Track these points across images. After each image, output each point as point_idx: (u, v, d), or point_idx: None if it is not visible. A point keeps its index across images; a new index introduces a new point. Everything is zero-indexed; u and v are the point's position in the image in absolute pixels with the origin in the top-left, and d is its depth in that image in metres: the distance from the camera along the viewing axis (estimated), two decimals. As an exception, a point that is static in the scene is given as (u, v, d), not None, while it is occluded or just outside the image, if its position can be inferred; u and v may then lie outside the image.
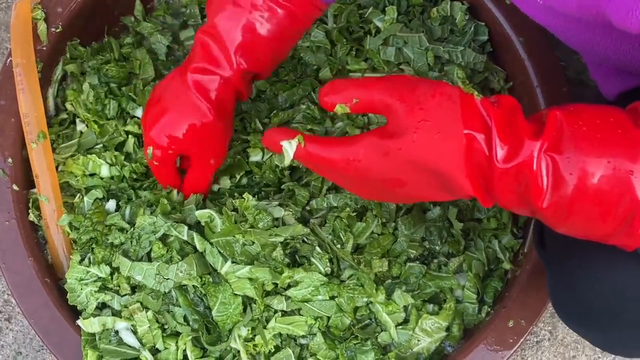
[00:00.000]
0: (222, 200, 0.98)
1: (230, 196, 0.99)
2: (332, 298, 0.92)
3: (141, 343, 0.91)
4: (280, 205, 0.97)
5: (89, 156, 1.02)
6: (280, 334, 0.92)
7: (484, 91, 1.10)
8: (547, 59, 1.05)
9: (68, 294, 0.92)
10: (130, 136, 1.04)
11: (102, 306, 0.94)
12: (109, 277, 0.92)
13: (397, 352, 0.93)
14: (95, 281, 0.93)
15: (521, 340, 0.93)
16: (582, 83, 1.25)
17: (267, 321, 0.92)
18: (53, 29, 1.05)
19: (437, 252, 1.00)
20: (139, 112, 1.05)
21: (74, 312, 0.94)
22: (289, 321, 0.91)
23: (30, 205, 1.00)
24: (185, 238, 0.91)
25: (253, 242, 0.91)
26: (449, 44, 1.10)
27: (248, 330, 0.91)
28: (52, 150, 1.00)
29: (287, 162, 0.72)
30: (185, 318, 0.91)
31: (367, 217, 0.98)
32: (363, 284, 0.93)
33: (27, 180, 1.01)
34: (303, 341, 0.93)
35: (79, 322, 0.92)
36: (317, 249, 0.93)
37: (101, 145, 1.04)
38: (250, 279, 0.89)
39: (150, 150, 0.90)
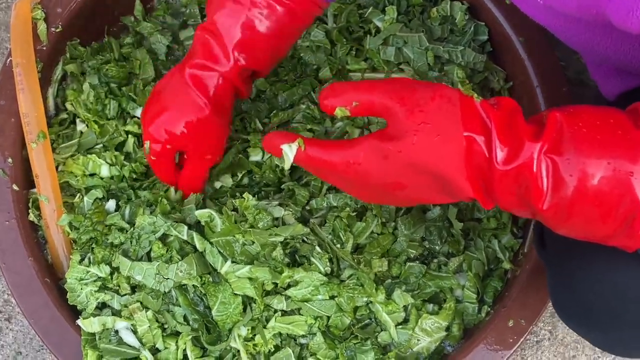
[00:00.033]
0: (222, 200, 0.99)
1: (230, 196, 0.99)
2: (332, 298, 0.92)
3: (141, 343, 0.91)
4: (280, 205, 0.97)
5: (89, 156, 1.02)
6: (280, 334, 0.92)
7: (484, 91, 1.10)
8: (547, 59, 1.05)
9: (68, 294, 0.92)
10: (130, 136, 1.04)
11: (102, 306, 0.94)
12: (109, 277, 0.92)
13: (397, 351, 0.93)
14: (95, 281, 0.93)
15: (521, 340, 0.93)
16: (582, 83, 1.25)
17: (267, 321, 0.92)
18: (53, 29, 1.05)
19: (437, 251, 1.00)
20: (139, 112, 1.05)
21: (74, 312, 0.94)
22: (288, 321, 0.91)
23: (30, 205, 1.00)
24: (185, 238, 0.91)
25: (253, 242, 0.91)
26: (448, 43, 1.10)
27: (248, 329, 0.91)
28: (52, 150, 1.00)
29: (287, 165, 0.72)
30: (185, 318, 0.92)
31: (367, 216, 0.98)
32: (363, 284, 0.93)
33: (27, 180, 1.01)
34: (303, 341, 0.93)
35: (79, 321, 0.92)
36: (317, 248, 0.93)
37: (101, 145, 1.04)
38: (250, 279, 0.89)
39: (147, 144, 0.91)
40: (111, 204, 0.99)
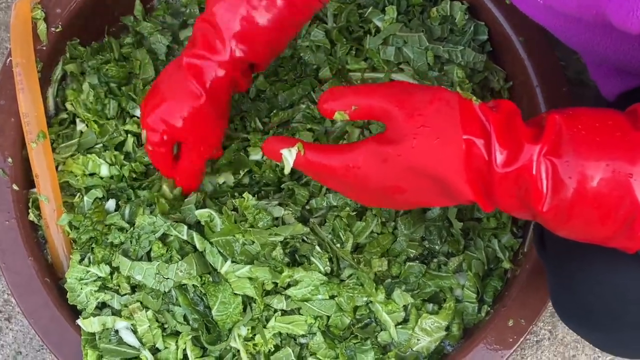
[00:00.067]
0: (222, 200, 0.99)
1: (230, 196, 0.99)
2: (332, 297, 0.92)
3: (141, 342, 0.91)
4: (280, 204, 0.97)
5: (88, 156, 1.02)
6: (280, 333, 0.93)
7: (484, 91, 1.10)
8: (547, 59, 1.05)
9: (68, 294, 0.93)
10: (129, 136, 1.04)
11: (102, 306, 0.94)
12: (109, 277, 0.92)
13: (397, 351, 0.93)
14: (95, 281, 0.93)
15: (521, 339, 0.93)
16: (582, 83, 1.25)
17: (267, 320, 0.92)
18: (53, 29, 1.05)
19: (436, 251, 1.00)
20: (138, 112, 1.05)
21: (74, 312, 0.94)
22: (288, 320, 0.91)
23: (30, 205, 1.00)
24: (185, 237, 0.91)
25: (253, 242, 0.91)
26: (448, 43, 1.10)
27: (248, 329, 0.91)
28: (52, 150, 1.00)
29: (287, 170, 0.72)
30: (185, 317, 0.92)
31: (367, 216, 0.98)
32: (363, 284, 0.93)
33: (27, 180, 1.01)
34: (303, 340, 0.93)
35: (79, 321, 0.92)
36: (317, 248, 0.93)
37: (101, 144, 1.04)
38: (250, 279, 0.89)
39: (144, 133, 0.91)
40: (111, 204, 0.99)
